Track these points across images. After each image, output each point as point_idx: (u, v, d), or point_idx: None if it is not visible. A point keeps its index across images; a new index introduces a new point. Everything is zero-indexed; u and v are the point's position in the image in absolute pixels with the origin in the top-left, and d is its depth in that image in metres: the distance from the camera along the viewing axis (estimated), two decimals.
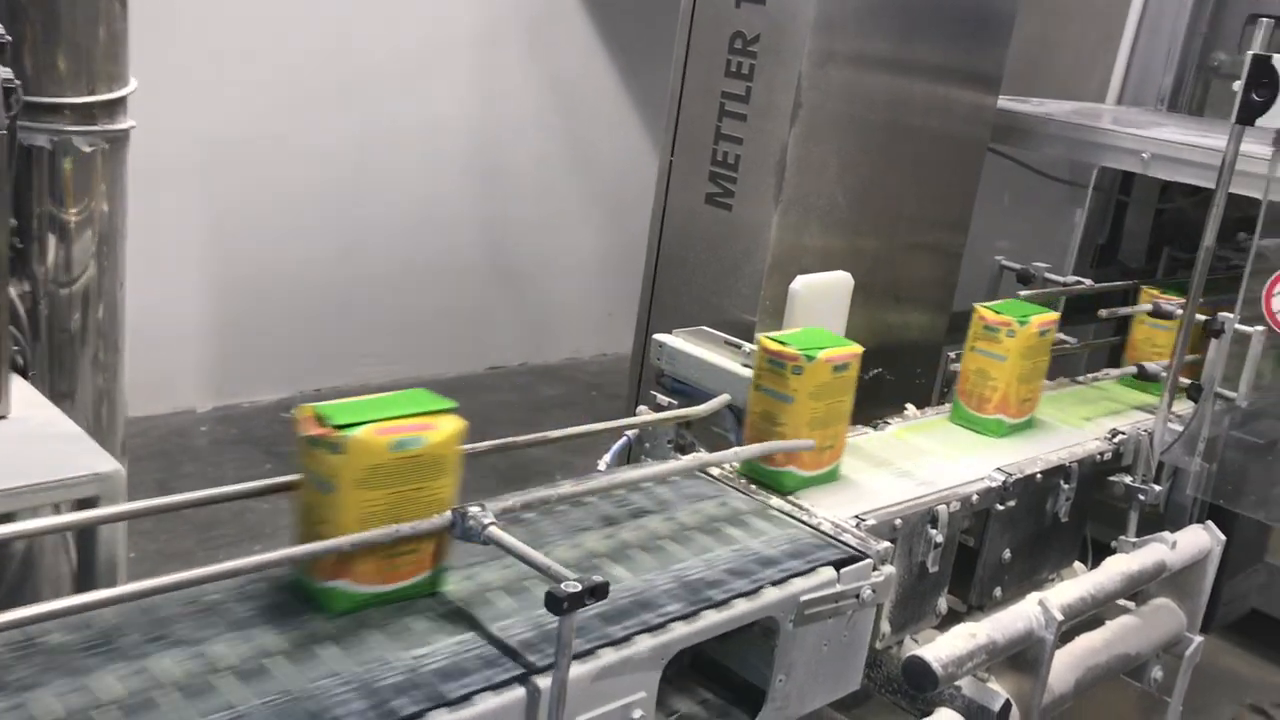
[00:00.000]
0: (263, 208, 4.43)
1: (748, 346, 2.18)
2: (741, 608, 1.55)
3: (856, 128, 2.49)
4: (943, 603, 2.03)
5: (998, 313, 2.25)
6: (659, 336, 2.26)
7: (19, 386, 1.70)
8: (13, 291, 1.90)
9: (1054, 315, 2.31)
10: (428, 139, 4.82)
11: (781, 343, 1.82)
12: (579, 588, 1.29)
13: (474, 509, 1.42)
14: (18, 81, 1.61)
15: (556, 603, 1.28)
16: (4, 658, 1.15)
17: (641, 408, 2.17)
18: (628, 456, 2.19)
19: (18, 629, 1.13)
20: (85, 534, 1.53)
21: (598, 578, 1.30)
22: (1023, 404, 2.28)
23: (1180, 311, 2.34)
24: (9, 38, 1.64)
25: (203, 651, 1.22)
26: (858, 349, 1.85)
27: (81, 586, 1.54)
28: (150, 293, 4.21)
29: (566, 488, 1.61)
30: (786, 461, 1.85)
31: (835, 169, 2.48)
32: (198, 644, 1.23)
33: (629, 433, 2.15)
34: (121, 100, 2.01)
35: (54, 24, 1.89)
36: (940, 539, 1.93)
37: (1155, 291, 2.68)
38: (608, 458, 2.20)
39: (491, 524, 1.41)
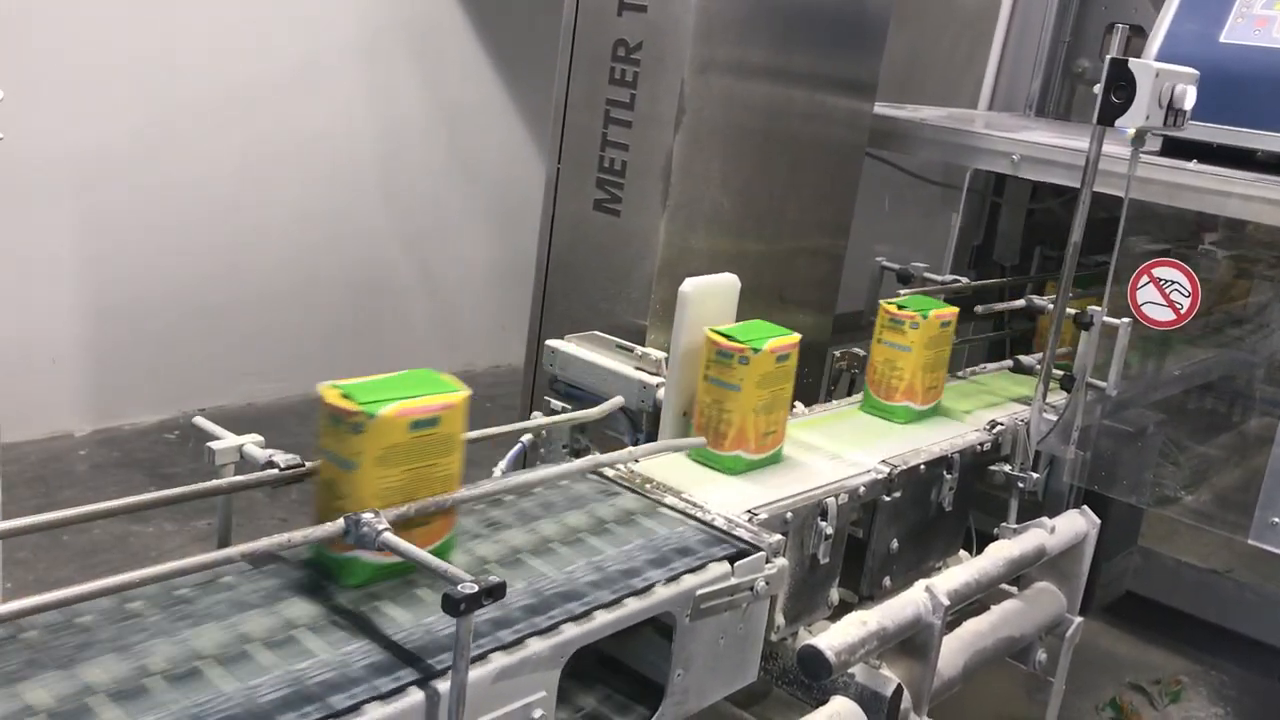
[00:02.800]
0: (140, 224, 4.32)
1: (639, 350, 2.21)
2: (637, 605, 1.57)
3: (738, 134, 2.54)
4: (834, 594, 2.07)
5: (901, 307, 2.40)
6: (551, 342, 2.28)
7: None
8: None
9: (953, 309, 2.45)
10: (310, 152, 4.76)
11: (728, 336, 1.97)
12: (475, 589, 1.29)
13: (368, 515, 1.42)
14: None
15: (453, 604, 1.28)
16: None
17: (536, 413, 2.18)
18: (523, 463, 2.19)
19: None
20: None
21: (494, 578, 1.31)
22: (928, 391, 2.43)
23: (1050, 306, 2.44)
24: None
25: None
26: (796, 338, 2.02)
27: None
28: (23, 313, 4.10)
29: (461, 493, 1.61)
30: (734, 446, 1.99)
31: (719, 174, 2.52)
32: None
33: (524, 438, 2.15)
34: None
35: None
36: (830, 531, 1.98)
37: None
38: (503, 464, 2.20)
39: (385, 530, 1.41)
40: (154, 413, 4.50)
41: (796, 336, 2.04)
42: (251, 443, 1.59)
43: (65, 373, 4.30)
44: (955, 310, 2.46)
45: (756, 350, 1.96)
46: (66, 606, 1.24)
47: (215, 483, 1.52)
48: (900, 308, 2.39)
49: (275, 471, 1.54)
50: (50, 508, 1.34)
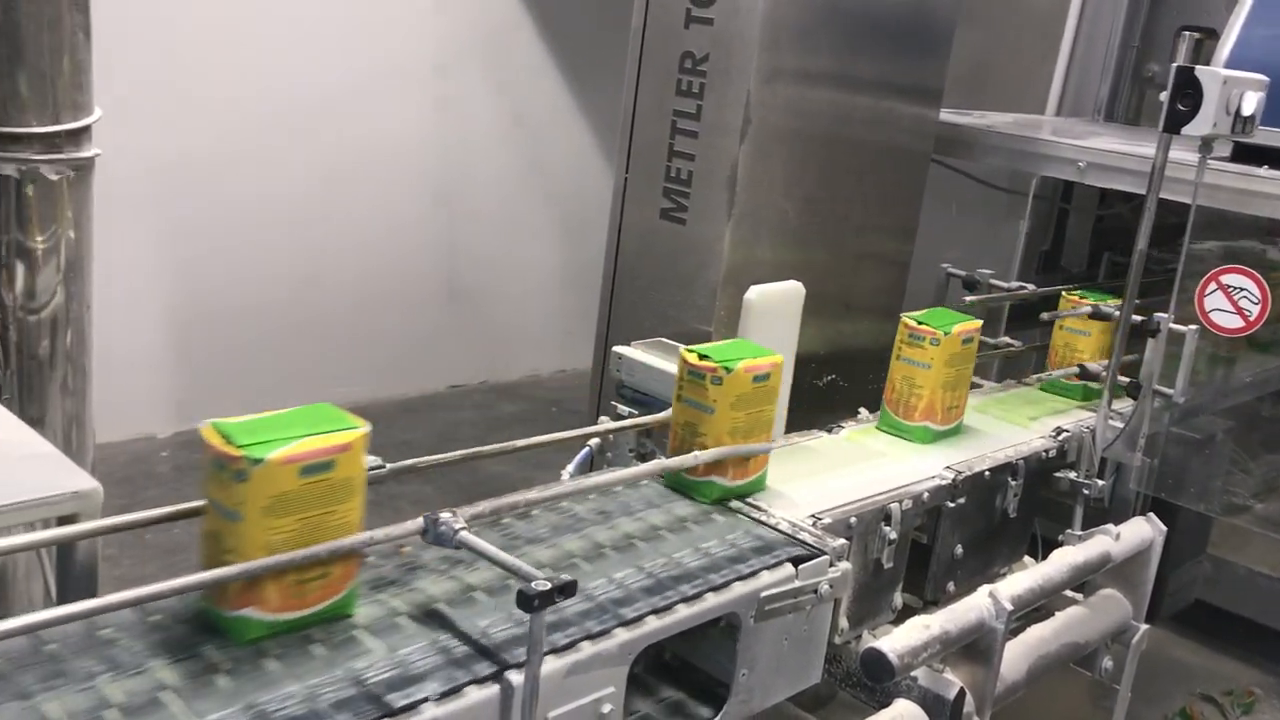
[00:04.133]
0: (222, 232, 4.46)
1: None
2: (706, 603, 1.62)
3: (803, 142, 2.57)
4: (898, 598, 2.10)
5: (921, 322, 2.29)
6: (618, 349, 2.33)
7: None
8: None
9: (976, 323, 2.34)
10: (386, 161, 4.87)
11: (702, 355, 1.85)
12: (549, 586, 1.34)
13: (445, 515, 1.48)
14: None
15: (528, 601, 1.33)
16: None
17: (603, 418, 2.24)
18: (590, 467, 2.25)
19: None
20: (64, 551, 1.57)
21: (566, 576, 1.36)
22: (948, 411, 2.32)
23: (1117, 313, 2.44)
24: None
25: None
26: (778, 359, 1.89)
27: (60, 603, 1.57)
28: (110, 318, 4.23)
29: (534, 494, 1.67)
30: (708, 472, 1.87)
31: (784, 182, 2.56)
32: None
33: (591, 443, 2.21)
34: (86, 129, 2.05)
35: (19, 54, 1.94)
36: (894, 536, 2.01)
37: (1076, 296, 2.74)
38: (570, 468, 2.25)
39: (463, 529, 1.47)
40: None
41: (778, 357, 1.90)
42: None
43: (150, 376, 4.45)
44: (978, 324, 2.35)
45: (729, 370, 1.82)
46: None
47: None
48: (920, 322, 2.28)
49: None
50: (135, 507, 1.41)
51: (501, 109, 5.21)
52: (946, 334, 2.26)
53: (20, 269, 2.00)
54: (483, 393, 5.44)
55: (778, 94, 2.48)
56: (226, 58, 4.28)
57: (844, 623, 1.96)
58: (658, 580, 1.62)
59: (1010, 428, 2.47)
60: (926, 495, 2.10)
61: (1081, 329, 2.66)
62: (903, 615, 2.05)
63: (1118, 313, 2.48)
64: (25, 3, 1.92)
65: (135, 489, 4.07)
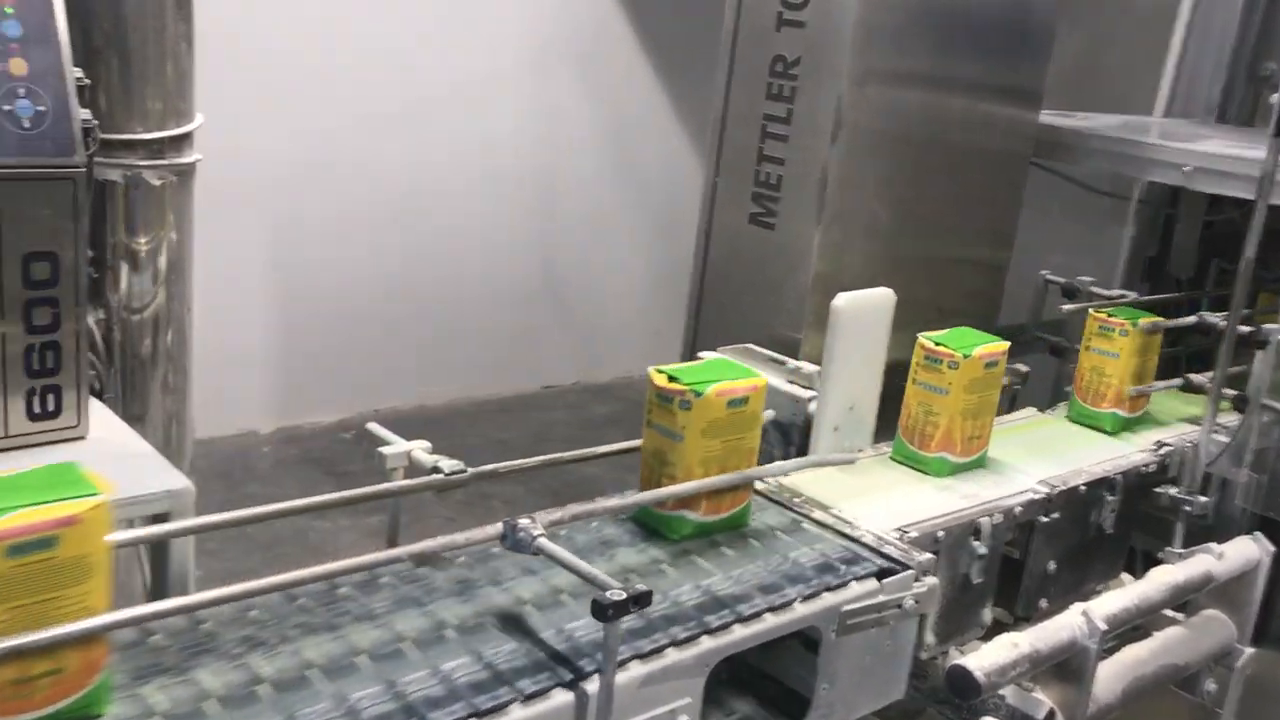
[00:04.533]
0: (322, 232, 4.56)
1: (791, 363, 2.23)
2: (780, 618, 1.60)
3: (896, 145, 2.53)
4: (988, 614, 2.05)
5: (939, 343, 2.09)
6: (703, 354, 2.32)
7: (96, 409, 1.79)
8: (90, 319, 2.00)
9: (1001, 346, 2.14)
10: (481, 162, 4.92)
11: (671, 376, 1.70)
12: (623, 596, 1.34)
13: (524, 521, 1.48)
14: (95, 121, 1.70)
15: (602, 610, 1.33)
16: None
17: None
18: None
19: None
20: (158, 548, 1.62)
21: (641, 586, 1.36)
22: (969, 442, 2.12)
23: (1221, 324, 2.35)
24: (88, 80, 1.73)
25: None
26: (760, 381, 1.75)
27: (152, 599, 1.62)
28: (215, 317, 4.36)
29: (612, 502, 1.67)
30: (678, 506, 1.70)
31: (875, 186, 2.52)
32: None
33: None
34: (189, 135, 2.11)
35: (127, 64, 2.00)
36: (983, 551, 1.96)
37: (1104, 314, 2.52)
38: None
39: (541, 535, 1.47)
40: (332, 413, 4.73)
41: (760, 380, 1.78)
42: (420, 449, 1.69)
43: (252, 374, 4.56)
44: (1004, 346, 2.14)
45: (699, 394, 1.66)
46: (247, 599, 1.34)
47: (385, 486, 1.62)
48: (937, 344, 2.08)
49: (440, 476, 1.62)
50: (236, 501, 1.45)
51: (596, 111, 5.24)
52: (966, 357, 2.05)
53: (124, 271, 2.06)
54: (576, 393, 5.47)
55: (870, 96, 2.44)
56: (331, 64, 4.38)
57: (931, 638, 1.92)
58: (740, 589, 1.61)
59: (1110, 441, 2.40)
60: (1019, 510, 2.05)
61: (1110, 350, 2.45)
62: (994, 631, 2.01)
63: (1223, 323, 2.39)
64: (133, 15, 1.98)
65: (235, 483, 4.18)
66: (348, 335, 4.73)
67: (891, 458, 2.16)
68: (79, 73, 1.65)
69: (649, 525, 1.74)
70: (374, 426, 1.74)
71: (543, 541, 1.46)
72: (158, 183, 2.06)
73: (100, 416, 1.77)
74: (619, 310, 5.58)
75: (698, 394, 1.64)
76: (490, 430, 4.83)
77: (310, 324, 4.64)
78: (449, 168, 4.83)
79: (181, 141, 2.10)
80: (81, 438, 1.69)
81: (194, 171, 2.15)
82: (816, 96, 2.44)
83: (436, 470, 1.63)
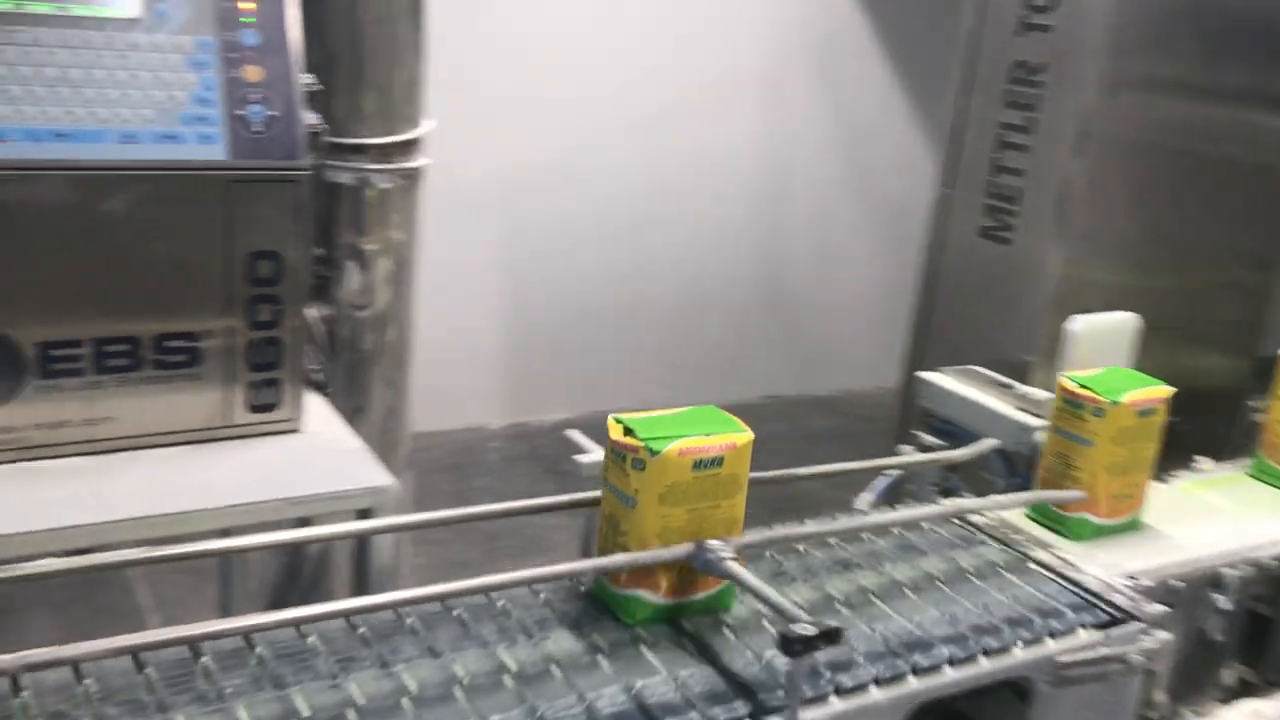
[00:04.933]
0: (555, 235, 4.66)
1: (1019, 388, 2.08)
2: (991, 664, 1.48)
3: (1148, 157, 2.34)
4: (1231, 675, 1.85)
5: (1083, 386, 1.76)
6: (924, 375, 2.20)
7: (315, 403, 1.86)
8: (318, 314, 2.09)
9: (1162, 390, 1.79)
10: (713, 168, 4.91)
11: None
12: (813, 631, 1.27)
13: (715, 543, 1.43)
14: (323, 126, 1.77)
15: (789, 644, 1.26)
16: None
17: (905, 447, 2.12)
18: (891, 496, 2.14)
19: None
20: (362, 543, 1.66)
21: (832, 623, 1.28)
22: (1116, 501, 1.80)
23: None
24: (320, 86, 1.80)
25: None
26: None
27: (355, 592, 1.67)
28: (451, 315, 4.55)
29: (811, 527, 1.60)
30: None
31: (1125, 201, 2.34)
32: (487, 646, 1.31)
33: (891, 472, 2.10)
34: (417, 140, 2.17)
35: (361, 71, 2.07)
36: (1228, 605, 1.77)
37: None
38: (868, 496, 2.15)
39: (731, 559, 1.41)
40: (560, 411, 4.83)
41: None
42: None
43: (483, 370, 4.71)
44: (1164, 393, 1.78)
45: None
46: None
47: (576, 496, 1.60)
48: (1082, 386, 1.75)
49: None
50: (463, 494, 1.48)
51: (829, 116, 5.13)
52: (1115, 403, 1.73)
53: (353, 269, 2.14)
54: (797, 404, 5.38)
55: (1121, 105, 2.27)
56: (566, 70, 4.46)
57: (1161, 698, 1.75)
58: (950, 628, 1.50)
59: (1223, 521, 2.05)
60: (1275, 562, 1.84)
61: None
62: (1238, 694, 1.82)
63: None
64: (366, 24, 2.06)
65: (464, 476, 4.32)
66: (577, 336, 4.82)
67: (1027, 514, 1.84)
68: (309, 79, 1.71)
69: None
70: (573, 433, 1.73)
71: (731, 565, 1.40)
72: (386, 186, 2.13)
73: (317, 411, 1.84)
74: (845, 321, 5.45)
75: (653, 452, 1.28)
76: None
77: (542, 324, 4.75)
78: (681, 172, 4.84)
79: (410, 146, 2.16)
80: (296, 431, 1.75)
81: (422, 175, 2.21)
82: (1061, 104, 2.29)
83: None
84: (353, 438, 1.78)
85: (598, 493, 1.63)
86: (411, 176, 2.18)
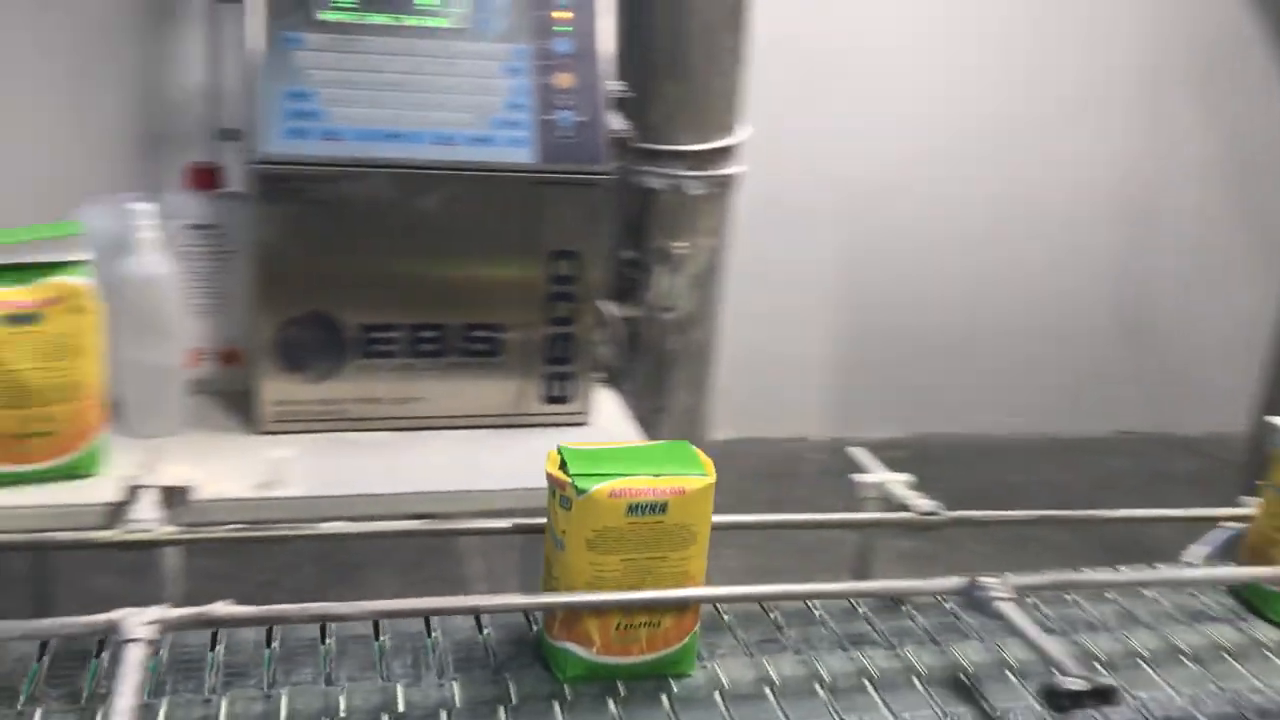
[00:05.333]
0: (893, 247, 4.55)
1: None
2: None
3: None
4: None
5: None
6: (1273, 420, 1.95)
7: (608, 399, 1.92)
8: (622, 312, 2.16)
9: None
10: (1072, 185, 4.62)
11: (563, 462, 1.19)
12: (1084, 687, 1.16)
13: (990, 580, 1.34)
14: (632, 131, 1.82)
15: (1056, 699, 1.16)
16: None
17: (1247, 499, 1.90)
18: (1229, 552, 1.92)
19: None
20: None
21: (1105, 681, 1.16)
22: None
23: None
24: (630, 92, 1.86)
25: None
26: (698, 483, 1.15)
27: None
28: (781, 324, 4.56)
29: (1103, 574, 1.46)
30: (562, 634, 1.15)
31: None
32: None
33: (1229, 524, 1.88)
34: (732, 148, 2.19)
35: (679, 78, 2.11)
36: None
37: None
38: (1202, 548, 1.94)
39: (1005, 598, 1.32)
40: (885, 430, 4.71)
41: None
42: (897, 481, 1.60)
43: (810, 381, 4.69)
44: None
45: None
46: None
47: (844, 516, 1.55)
48: None
49: (907, 514, 1.52)
50: (777, 501, 1.47)
51: (1211, 131, 4.68)
52: None
53: (661, 272, 2.19)
54: (1153, 443, 4.95)
55: None
56: (909, 75, 4.34)
57: None
58: (1223, 713, 1.32)
59: None
60: None
61: None
62: None
63: None
64: (691, 31, 2.09)
65: (782, 485, 4.31)
66: (912, 354, 4.69)
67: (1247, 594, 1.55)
68: (619, 86, 1.76)
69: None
70: (856, 451, 1.68)
71: (1003, 605, 1.31)
72: (698, 192, 2.16)
73: (608, 406, 1.90)
74: (1214, 356, 4.94)
75: (580, 491, 1.07)
76: (1047, 471, 4.52)
77: (874, 339, 4.66)
78: (1034, 188, 4.58)
79: (724, 153, 2.18)
80: (585, 424, 1.81)
81: (735, 182, 2.22)
82: None
83: (905, 508, 1.53)
84: (638, 435, 1.82)
85: (870, 514, 1.58)
86: (724, 183, 2.20)
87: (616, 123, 1.76)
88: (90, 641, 1.02)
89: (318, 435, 1.70)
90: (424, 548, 3.51)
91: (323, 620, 1.10)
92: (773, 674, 1.17)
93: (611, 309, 2.08)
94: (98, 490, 1.45)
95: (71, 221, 1.53)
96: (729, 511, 1.56)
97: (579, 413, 1.81)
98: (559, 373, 1.78)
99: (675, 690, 1.11)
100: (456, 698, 1.08)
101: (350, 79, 1.62)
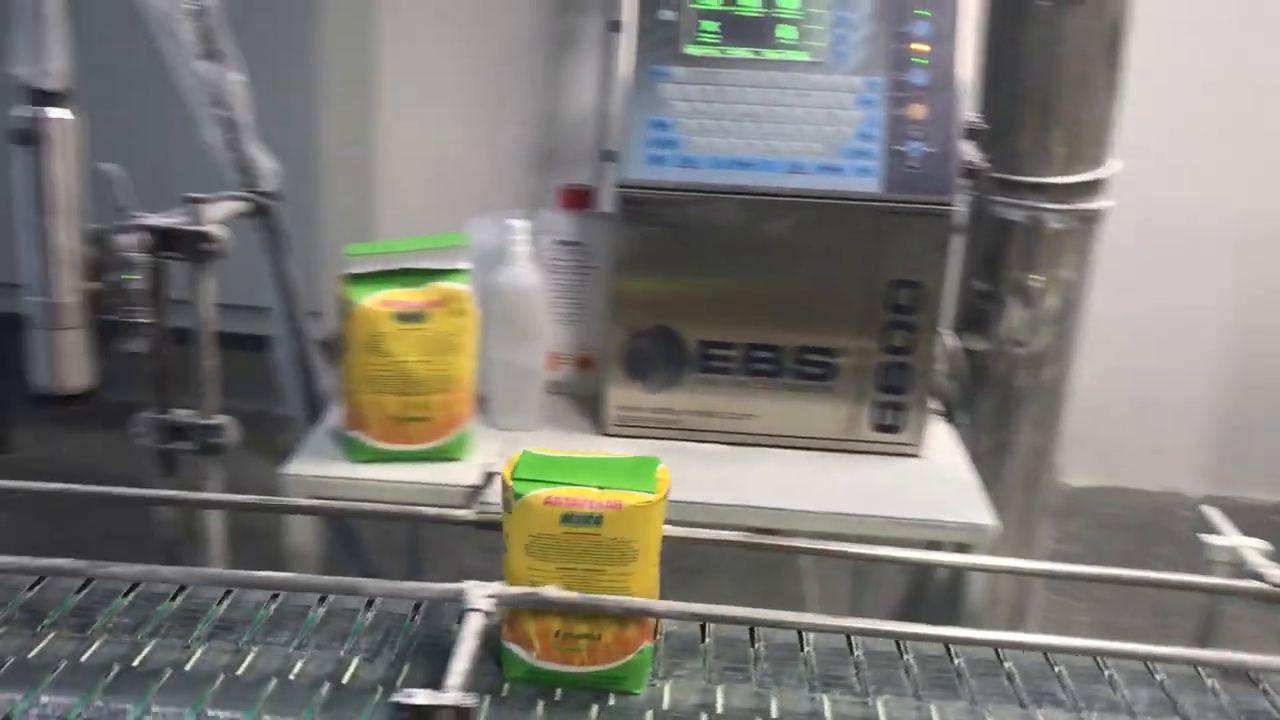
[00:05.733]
0: None
1: None
2: None
3: None
4: None
5: None
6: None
7: (942, 431, 1.90)
8: (967, 345, 2.12)
9: None
10: None
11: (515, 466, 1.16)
12: None
13: None
14: (986, 162, 1.80)
15: None
16: None
17: None
18: None
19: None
20: (956, 574, 1.67)
21: None
22: None
23: None
24: (989, 124, 1.83)
25: None
26: (639, 500, 1.10)
27: (947, 621, 1.68)
28: (1160, 368, 4.25)
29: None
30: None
31: None
32: None
33: None
34: (1099, 182, 2.10)
35: (1049, 110, 2.05)
36: None
37: None
38: None
39: None
40: (1272, 492, 4.28)
41: None
42: (1251, 547, 1.48)
43: (1192, 433, 4.33)
44: None
45: None
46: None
47: (1183, 577, 1.45)
48: None
49: (1256, 584, 1.40)
50: (1138, 557, 1.42)
51: None
52: None
53: (1015, 306, 2.13)
54: None
55: None
56: None
57: None
58: None
59: None
60: None
61: None
62: None
63: None
64: (1064, 61, 2.03)
65: (1146, 540, 4.01)
66: None
67: None
68: (974, 117, 1.74)
69: None
70: (1209, 511, 1.56)
71: None
72: (1060, 226, 2.08)
73: (941, 439, 1.88)
74: None
75: (517, 495, 1.07)
76: None
77: (1267, 391, 4.24)
78: None
79: (1091, 187, 2.09)
80: (916, 455, 1.80)
81: (1101, 217, 2.13)
82: None
83: (1256, 576, 1.41)
84: (968, 471, 1.79)
85: (1213, 579, 1.47)
86: (1089, 218, 2.11)
87: (970, 154, 1.74)
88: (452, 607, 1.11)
89: (655, 441, 1.81)
90: (767, 562, 3.58)
91: (644, 615, 1.16)
92: (719, 703, 1.10)
93: (953, 341, 2.06)
94: (461, 473, 1.62)
95: (459, 234, 1.72)
96: (1073, 560, 1.51)
97: (910, 444, 1.80)
98: (892, 401, 1.78)
99: (611, 704, 1.08)
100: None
101: (709, 109, 1.71)
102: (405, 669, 1.11)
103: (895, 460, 1.79)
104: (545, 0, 4.12)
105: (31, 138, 1.32)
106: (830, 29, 1.72)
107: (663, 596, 1.12)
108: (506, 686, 1.10)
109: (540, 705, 1.06)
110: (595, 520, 1.05)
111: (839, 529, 1.65)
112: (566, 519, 1.05)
